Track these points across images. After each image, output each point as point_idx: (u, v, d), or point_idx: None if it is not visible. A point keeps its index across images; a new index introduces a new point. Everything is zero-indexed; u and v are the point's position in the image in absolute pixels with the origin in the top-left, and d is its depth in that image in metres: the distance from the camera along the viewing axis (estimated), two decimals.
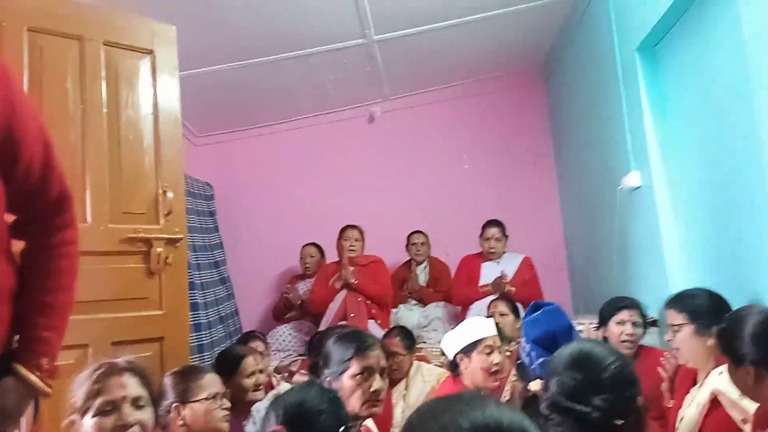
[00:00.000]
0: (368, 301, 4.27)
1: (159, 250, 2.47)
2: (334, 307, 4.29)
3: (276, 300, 5.05)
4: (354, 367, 2.03)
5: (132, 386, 1.77)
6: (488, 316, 3.72)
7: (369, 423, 2.18)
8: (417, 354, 3.71)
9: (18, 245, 1.31)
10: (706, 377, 2.14)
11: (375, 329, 4.08)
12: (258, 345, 3.46)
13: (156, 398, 1.89)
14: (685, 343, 2.15)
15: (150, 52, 2.62)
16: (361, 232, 4.53)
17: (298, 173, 5.47)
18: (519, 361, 2.13)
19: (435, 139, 5.49)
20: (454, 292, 4.48)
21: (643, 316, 2.76)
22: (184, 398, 2.15)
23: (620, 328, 2.72)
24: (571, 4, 4.28)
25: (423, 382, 3.42)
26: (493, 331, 2.65)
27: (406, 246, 4.95)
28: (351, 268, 4.27)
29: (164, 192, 2.53)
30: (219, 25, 3.73)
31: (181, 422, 2.12)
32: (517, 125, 5.48)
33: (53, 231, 1.30)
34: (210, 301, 4.39)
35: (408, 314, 4.56)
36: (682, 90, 2.99)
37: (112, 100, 2.48)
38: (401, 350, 3.43)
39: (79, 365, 2.22)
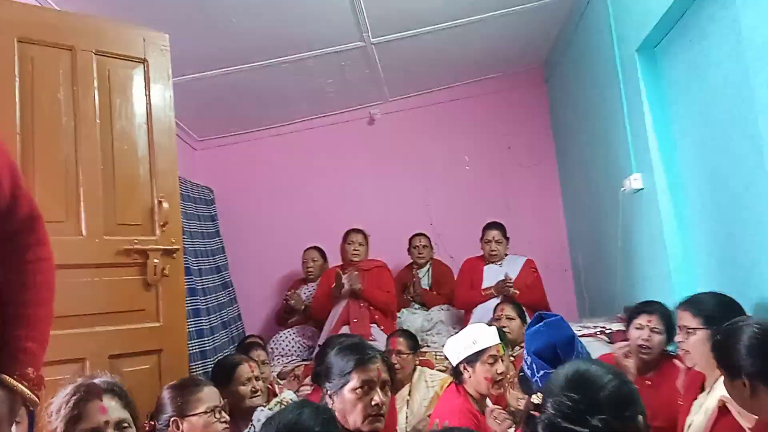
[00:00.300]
0: (371, 307, 4.24)
1: (155, 261, 2.45)
2: (336, 312, 4.27)
3: (278, 304, 5.02)
4: (354, 381, 2.00)
5: (114, 410, 1.72)
6: (495, 319, 3.70)
7: None
8: (421, 358, 3.68)
9: None
10: (714, 383, 2.11)
11: (378, 334, 4.06)
12: (260, 354, 3.44)
13: (137, 417, 1.82)
14: (698, 347, 2.12)
15: (143, 60, 2.60)
16: (365, 237, 4.52)
17: (298, 176, 5.44)
18: (521, 374, 2.10)
19: (436, 140, 5.45)
20: (457, 295, 4.45)
21: (667, 322, 2.63)
22: (182, 412, 2.12)
23: (638, 332, 2.64)
24: (570, 5, 4.25)
25: (426, 388, 3.39)
26: (497, 340, 2.61)
27: (408, 249, 4.91)
28: (356, 274, 4.24)
29: (160, 203, 2.51)
30: (217, 29, 3.71)
31: None
32: (518, 126, 5.44)
33: (26, 248, 1.32)
34: (212, 306, 4.37)
35: (411, 318, 4.53)
36: (683, 91, 2.96)
37: (105, 110, 2.46)
38: (405, 349, 3.39)
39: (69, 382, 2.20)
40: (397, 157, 5.45)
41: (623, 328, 3.36)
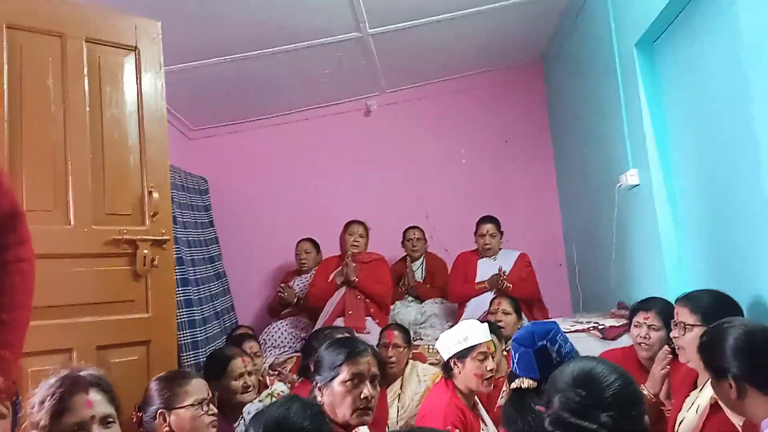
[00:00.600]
0: (367, 300, 4.23)
1: (145, 251, 2.43)
2: (332, 303, 4.26)
3: (271, 295, 5.01)
4: (344, 374, 2.00)
5: (99, 404, 1.68)
6: (491, 313, 3.71)
7: (363, 430, 2.14)
8: (413, 351, 3.68)
9: None
10: (707, 381, 2.10)
11: (373, 327, 4.06)
12: (252, 345, 3.42)
13: (121, 411, 1.78)
14: (694, 344, 2.10)
15: (134, 48, 2.56)
16: (366, 229, 4.51)
17: (293, 167, 5.41)
18: (510, 371, 2.10)
19: (432, 133, 5.43)
20: (451, 289, 4.44)
21: (666, 318, 2.57)
22: (169, 404, 2.10)
23: (636, 330, 2.63)
24: None
25: (418, 382, 3.38)
26: (488, 337, 2.62)
27: (402, 242, 4.89)
28: (353, 265, 4.23)
29: (150, 192, 2.48)
30: (212, 18, 3.67)
31: (166, 429, 2.08)
32: (515, 121, 5.41)
33: (5, 248, 1.26)
34: (205, 296, 4.35)
35: (405, 311, 4.52)
36: (681, 87, 2.94)
37: (95, 99, 2.42)
38: (401, 342, 3.39)
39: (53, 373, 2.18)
40: (392, 149, 5.42)
41: (616, 323, 3.37)
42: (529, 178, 5.35)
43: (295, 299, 4.63)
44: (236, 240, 5.23)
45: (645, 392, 2.35)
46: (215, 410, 2.19)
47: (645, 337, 2.59)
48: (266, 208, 5.35)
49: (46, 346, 2.19)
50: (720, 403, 1.93)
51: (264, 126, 5.45)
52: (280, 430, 1.40)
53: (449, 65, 5.16)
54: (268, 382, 3.31)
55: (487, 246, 4.33)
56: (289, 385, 3.14)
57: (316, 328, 4.20)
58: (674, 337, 2.22)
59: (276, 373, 3.62)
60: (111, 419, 1.70)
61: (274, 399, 2.65)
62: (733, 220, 2.51)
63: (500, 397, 2.63)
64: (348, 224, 4.51)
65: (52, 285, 2.22)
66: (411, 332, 3.74)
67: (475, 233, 4.41)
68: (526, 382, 1.93)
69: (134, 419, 2.12)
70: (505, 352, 3.33)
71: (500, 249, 4.39)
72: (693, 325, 2.14)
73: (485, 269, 4.27)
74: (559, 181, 5.30)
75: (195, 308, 4.03)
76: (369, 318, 4.21)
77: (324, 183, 5.37)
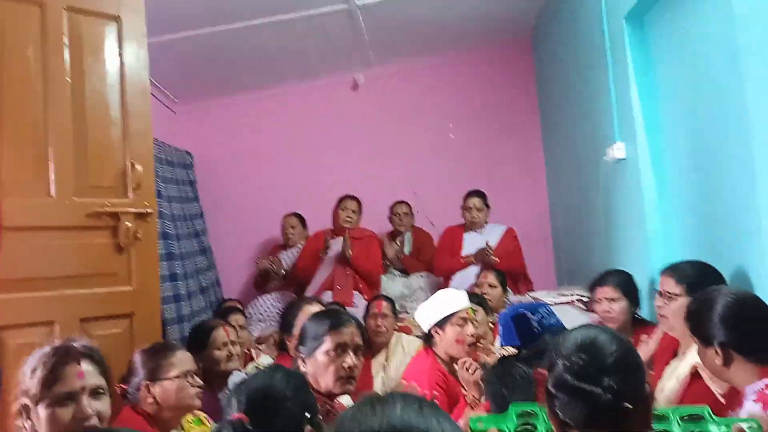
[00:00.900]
0: (356, 275, 4.26)
1: (128, 224, 2.40)
2: (321, 277, 4.28)
3: (255, 270, 5.01)
4: (327, 343, 2.02)
5: (91, 375, 1.69)
6: (477, 285, 3.74)
7: (345, 399, 2.16)
8: (399, 324, 3.71)
9: None
10: (687, 350, 2.13)
11: (360, 302, 4.08)
12: (238, 318, 3.44)
13: (112, 383, 1.80)
14: (678, 314, 2.13)
15: (116, 18, 2.51)
16: (360, 204, 4.52)
17: (279, 141, 5.37)
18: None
19: (420, 107, 5.39)
20: (437, 262, 4.46)
21: (624, 287, 2.71)
22: (154, 376, 2.10)
23: (599, 306, 2.71)
24: None
25: (403, 354, 3.42)
26: (467, 303, 2.67)
27: (389, 216, 4.90)
28: (347, 239, 4.25)
29: (133, 165, 2.45)
30: None
31: (151, 400, 2.08)
32: (504, 94, 5.38)
33: None
34: (190, 271, 4.34)
35: (391, 284, 4.55)
36: (670, 60, 2.93)
37: (76, 70, 2.37)
38: (388, 312, 3.43)
39: (47, 343, 2.18)
40: (380, 123, 5.38)
41: None
42: (516, 153, 5.35)
43: (282, 272, 4.64)
44: (222, 215, 5.21)
45: None
46: (200, 382, 2.19)
47: (607, 311, 2.66)
48: (252, 182, 5.32)
49: (29, 318, 2.18)
50: (700, 371, 1.97)
51: (250, 99, 5.40)
52: (264, 399, 1.40)
53: (438, 39, 5.10)
54: (254, 356, 3.32)
55: (474, 220, 4.34)
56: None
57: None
58: (658, 306, 2.25)
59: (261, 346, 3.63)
60: (101, 390, 1.71)
61: None
62: (719, 194, 2.51)
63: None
64: (341, 199, 4.51)
65: (33, 257, 2.21)
66: (397, 305, 3.77)
67: (462, 207, 4.41)
68: (507, 350, 1.97)
69: (118, 391, 2.13)
70: (491, 324, 3.37)
71: (487, 223, 4.40)
72: (677, 295, 2.16)
73: (471, 243, 4.29)
74: (547, 155, 5.30)
75: (180, 282, 4.02)
76: (357, 293, 4.24)
77: (310, 157, 5.33)
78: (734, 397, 1.72)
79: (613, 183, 3.51)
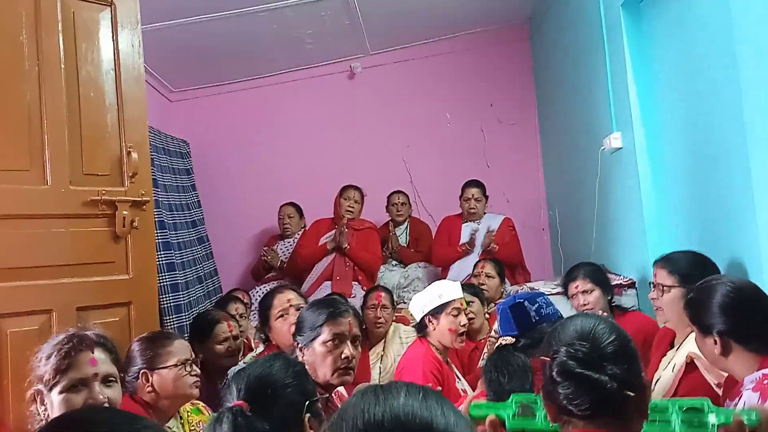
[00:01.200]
0: (355, 267, 4.26)
1: (124, 213, 2.39)
2: (320, 267, 4.27)
3: (255, 259, 5.00)
4: (325, 334, 2.00)
5: (103, 363, 1.74)
6: (474, 275, 3.75)
7: (343, 389, 2.15)
8: (397, 314, 3.71)
9: None
10: (683, 340, 2.14)
11: (359, 292, 4.07)
12: (238, 307, 3.43)
13: (123, 369, 1.83)
14: (672, 305, 2.14)
15: (110, 4, 2.48)
16: (362, 195, 4.48)
17: (276, 130, 5.35)
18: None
19: (417, 96, 5.38)
20: (435, 252, 4.46)
21: (594, 278, 2.75)
22: (152, 365, 2.10)
23: (575, 301, 2.75)
24: None
25: (401, 344, 3.42)
26: (461, 294, 2.71)
27: (387, 206, 4.88)
28: (346, 231, 4.24)
29: (129, 153, 2.43)
30: None
31: (149, 389, 2.07)
32: (500, 84, 5.37)
33: None
34: (187, 260, 4.33)
35: (388, 275, 4.55)
36: (667, 48, 2.92)
37: (70, 56, 2.34)
38: (387, 303, 3.45)
39: (44, 331, 2.18)
40: (377, 112, 5.37)
41: None
42: (513, 142, 5.34)
43: (279, 263, 4.63)
44: (219, 204, 5.19)
45: None
46: (198, 371, 2.19)
47: (584, 304, 2.70)
48: (249, 171, 5.30)
49: (26, 306, 2.16)
50: (696, 361, 1.97)
51: (246, 88, 5.37)
52: (263, 386, 1.39)
53: (434, 27, 5.08)
54: (253, 345, 3.32)
55: (472, 210, 4.34)
56: None
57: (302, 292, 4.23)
58: (652, 299, 2.25)
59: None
60: (113, 378, 1.76)
61: None
62: (715, 183, 2.52)
63: (481, 358, 2.68)
64: (344, 188, 4.48)
65: (29, 245, 2.19)
66: (394, 296, 3.77)
67: (461, 197, 4.41)
68: (505, 339, 1.97)
69: None
70: (487, 315, 3.37)
71: (484, 213, 4.40)
72: (671, 287, 2.16)
73: (469, 233, 4.29)
74: (544, 144, 5.30)
75: (177, 272, 4.01)
76: (356, 283, 4.24)
77: (308, 146, 5.32)
78: (731, 386, 1.72)
79: (610, 173, 3.51)
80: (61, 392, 1.67)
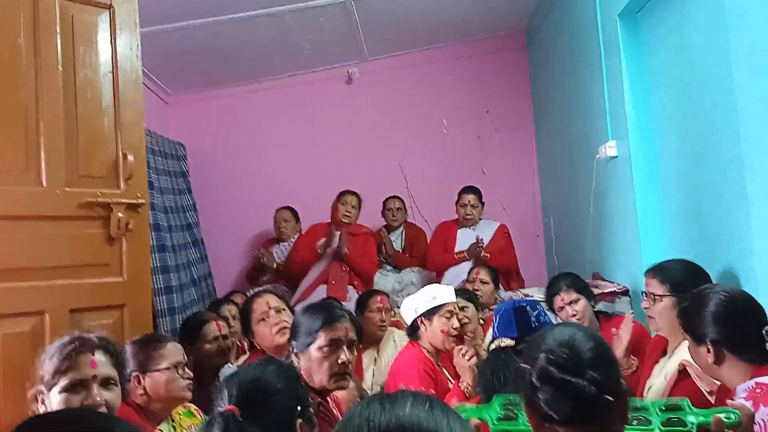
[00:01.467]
0: (351, 272, 4.27)
1: (119, 215, 2.38)
2: (316, 271, 4.28)
3: (250, 263, 5.00)
4: (321, 339, 1.99)
5: (103, 365, 1.75)
6: (469, 281, 3.77)
7: (339, 393, 2.15)
8: (391, 319, 3.71)
9: None
10: (676, 348, 2.14)
11: (354, 296, 4.07)
12: (231, 309, 3.42)
13: (123, 377, 1.86)
14: (664, 314, 2.15)
15: (108, 6, 2.48)
16: (359, 200, 4.52)
17: (273, 134, 5.36)
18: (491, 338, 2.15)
19: (414, 102, 5.39)
20: (430, 257, 4.47)
21: (577, 287, 2.77)
22: (144, 368, 2.10)
23: (563, 313, 2.76)
24: None
25: (395, 347, 3.42)
26: (454, 298, 2.75)
27: (382, 211, 4.89)
28: (344, 237, 4.25)
29: (125, 156, 2.43)
30: None
31: (141, 391, 2.07)
32: (497, 91, 5.39)
33: None
34: (182, 263, 4.33)
35: (383, 279, 4.55)
36: (663, 58, 2.93)
37: (68, 58, 2.34)
38: (390, 306, 3.49)
39: (36, 333, 2.18)
40: (374, 117, 5.38)
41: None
42: (509, 149, 5.35)
43: (275, 265, 4.63)
44: (214, 207, 5.19)
45: None
46: (190, 374, 2.19)
47: (573, 314, 2.71)
48: (245, 175, 5.30)
49: (19, 308, 2.15)
50: (688, 369, 1.98)
51: (244, 92, 5.38)
52: (255, 391, 1.39)
53: (432, 33, 5.10)
54: (246, 348, 3.31)
55: (468, 216, 4.35)
56: None
57: (296, 296, 4.23)
58: (645, 308, 2.26)
59: None
60: (112, 381, 1.76)
61: None
62: (710, 193, 2.52)
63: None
64: (341, 194, 4.51)
65: (24, 246, 2.19)
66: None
67: (457, 203, 4.43)
68: (504, 341, 1.97)
69: None
70: (481, 321, 3.38)
71: (480, 219, 4.41)
72: (662, 296, 2.17)
73: (464, 239, 4.31)
74: (540, 152, 5.31)
75: (172, 274, 4.01)
76: (351, 288, 4.25)
77: (304, 151, 5.32)
78: (723, 395, 1.72)
79: (605, 181, 3.52)
80: (60, 392, 1.68)
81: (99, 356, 1.76)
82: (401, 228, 4.89)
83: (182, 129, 5.18)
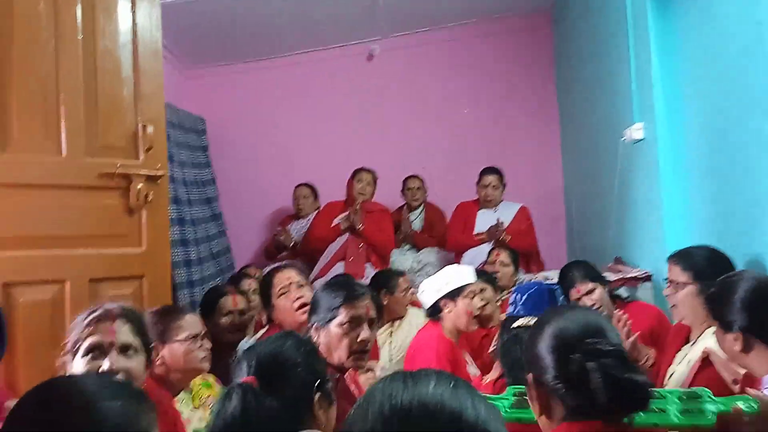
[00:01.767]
0: (368, 248, 4.27)
1: (139, 186, 2.38)
2: (333, 248, 4.28)
3: (268, 238, 5.01)
4: (342, 316, 1.98)
5: (122, 333, 1.74)
6: (489, 263, 3.74)
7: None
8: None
9: None
10: (699, 336, 2.11)
11: (371, 272, 4.07)
12: (251, 283, 3.43)
13: (150, 345, 1.84)
14: (686, 301, 2.12)
15: None
16: (375, 177, 4.52)
17: (293, 110, 5.32)
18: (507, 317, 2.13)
19: (435, 80, 5.31)
20: (449, 238, 4.45)
21: (592, 275, 2.70)
22: (163, 338, 2.10)
23: (586, 303, 2.67)
24: None
25: (410, 326, 3.42)
26: (475, 278, 2.74)
27: (402, 191, 4.86)
28: (360, 212, 4.26)
29: (144, 126, 2.42)
30: None
31: (159, 362, 2.08)
32: (521, 70, 5.28)
33: None
34: (201, 237, 4.35)
35: (401, 259, 4.55)
36: (693, 39, 2.85)
37: (88, 28, 2.33)
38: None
39: (56, 301, 2.20)
40: (394, 95, 5.32)
41: (612, 277, 3.37)
42: (532, 130, 5.26)
43: (292, 243, 4.64)
44: (234, 182, 5.19)
45: None
46: (209, 345, 2.19)
47: (591, 305, 2.63)
48: (264, 151, 5.29)
49: (39, 276, 2.18)
50: (711, 357, 1.94)
51: (264, 67, 5.34)
52: (274, 364, 1.39)
53: (454, 10, 5.01)
54: (264, 321, 3.32)
55: (489, 198, 4.32)
56: None
57: (314, 272, 4.24)
58: (666, 295, 2.22)
59: None
60: (132, 350, 1.75)
61: None
62: (737, 179, 2.46)
63: (491, 345, 2.67)
64: (356, 171, 4.50)
65: (44, 215, 2.20)
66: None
67: (478, 183, 4.39)
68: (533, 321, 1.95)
69: None
70: (498, 302, 3.36)
71: (501, 201, 4.37)
72: (685, 283, 2.13)
73: (484, 220, 4.27)
74: (563, 133, 5.23)
75: (191, 248, 4.03)
76: (368, 264, 4.26)
77: (323, 128, 5.29)
78: (749, 384, 1.69)
79: (630, 164, 3.45)
80: (81, 358, 1.71)
81: (119, 324, 1.76)
82: (421, 208, 4.86)
83: (201, 103, 5.16)
